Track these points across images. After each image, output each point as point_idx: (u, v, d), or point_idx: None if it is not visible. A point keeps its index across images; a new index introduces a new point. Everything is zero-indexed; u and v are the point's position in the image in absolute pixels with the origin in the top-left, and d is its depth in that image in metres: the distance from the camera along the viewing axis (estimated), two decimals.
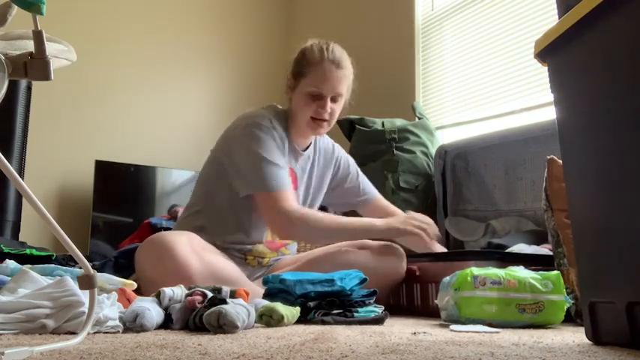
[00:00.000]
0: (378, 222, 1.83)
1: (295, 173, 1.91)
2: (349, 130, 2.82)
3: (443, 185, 2.53)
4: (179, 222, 1.96)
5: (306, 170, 1.95)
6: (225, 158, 1.84)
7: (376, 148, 2.64)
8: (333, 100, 1.83)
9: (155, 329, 1.17)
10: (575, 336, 1.19)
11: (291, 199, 1.76)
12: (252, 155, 1.76)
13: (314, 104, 1.81)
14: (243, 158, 1.78)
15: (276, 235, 1.86)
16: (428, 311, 1.81)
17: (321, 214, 1.83)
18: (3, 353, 0.69)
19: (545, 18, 2.40)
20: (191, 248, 1.60)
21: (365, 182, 2.09)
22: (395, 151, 2.60)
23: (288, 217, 1.73)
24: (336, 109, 1.85)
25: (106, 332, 1.08)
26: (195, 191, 1.96)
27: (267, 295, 1.51)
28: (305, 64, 1.83)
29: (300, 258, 1.90)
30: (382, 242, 1.86)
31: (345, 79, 1.84)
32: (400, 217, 1.88)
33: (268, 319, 1.27)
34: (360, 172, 2.11)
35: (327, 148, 2.04)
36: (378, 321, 1.42)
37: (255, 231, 1.84)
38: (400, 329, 1.27)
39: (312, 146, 1.97)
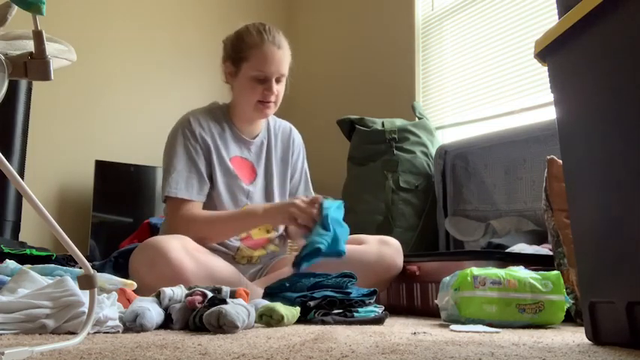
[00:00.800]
0: (259, 211, 1.77)
1: (250, 162, 1.92)
2: (349, 130, 2.82)
3: (443, 185, 2.53)
4: (161, 230, 1.98)
5: (261, 157, 1.95)
6: None
7: (376, 148, 2.64)
8: (277, 80, 1.84)
9: (155, 329, 1.17)
10: (575, 336, 1.19)
11: (184, 205, 1.77)
12: (164, 162, 1.84)
13: (260, 87, 1.81)
14: (163, 165, 1.86)
15: None
16: (428, 311, 1.82)
17: (205, 215, 1.79)
18: (3, 353, 0.69)
19: (545, 18, 2.40)
20: (185, 251, 1.60)
21: (305, 184, 2.05)
22: (395, 151, 2.60)
23: (176, 224, 1.76)
24: (280, 90, 1.86)
25: (106, 332, 1.08)
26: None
27: (268, 295, 1.51)
28: (245, 48, 1.81)
29: None
30: (379, 237, 1.86)
31: (287, 59, 1.85)
32: (281, 205, 1.76)
33: (268, 319, 1.27)
34: (306, 172, 2.06)
35: (285, 131, 2.03)
36: (378, 321, 1.42)
37: None
38: (400, 329, 1.27)
39: (264, 132, 1.97)
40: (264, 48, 1.79)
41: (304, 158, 2.07)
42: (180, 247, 1.59)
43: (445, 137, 2.88)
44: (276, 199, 1.94)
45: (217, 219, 1.80)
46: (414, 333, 1.17)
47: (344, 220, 1.67)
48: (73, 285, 1.06)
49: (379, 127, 2.68)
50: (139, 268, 1.62)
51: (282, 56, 1.82)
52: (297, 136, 2.06)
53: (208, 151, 1.84)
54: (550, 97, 1.12)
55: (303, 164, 2.06)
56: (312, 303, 1.40)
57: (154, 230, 2.54)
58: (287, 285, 1.49)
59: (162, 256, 1.56)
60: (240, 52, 1.82)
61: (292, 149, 2.02)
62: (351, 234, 1.85)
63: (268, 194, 1.94)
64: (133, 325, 1.13)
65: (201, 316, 1.14)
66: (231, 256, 1.85)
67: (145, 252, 1.62)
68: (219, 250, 1.81)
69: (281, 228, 1.98)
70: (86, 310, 1.02)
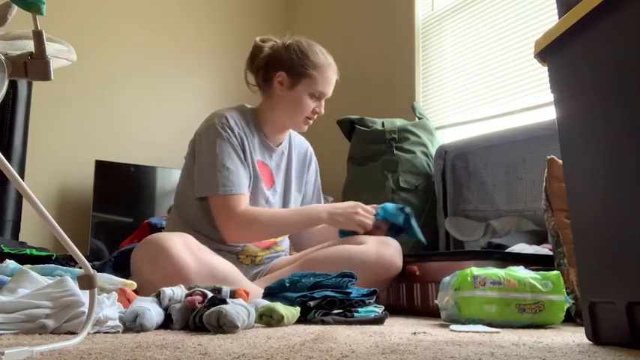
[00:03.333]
0: (322, 213, 1.84)
1: (270, 169, 1.94)
2: (349, 130, 2.82)
3: (443, 185, 2.53)
4: (166, 227, 1.98)
5: (281, 166, 1.98)
6: (191, 162, 1.88)
7: (376, 148, 2.64)
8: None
9: (155, 329, 1.17)
10: (575, 336, 1.19)
11: (242, 202, 1.78)
12: (206, 159, 1.81)
13: (312, 105, 1.90)
14: (200, 161, 1.84)
15: (227, 239, 1.83)
16: (428, 311, 1.82)
17: (267, 212, 1.84)
18: (3, 353, 0.69)
19: (545, 18, 2.40)
20: (186, 248, 1.60)
21: (318, 199, 2.11)
22: (395, 151, 2.60)
23: (237, 221, 1.76)
24: None
25: (106, 332, 1.08)
26: (174, 198, 2.00)
27: (268, 295, 1.51)
28: (309, 66, 1.87)
29: (298, 258, 1.90)
30: (379, 237, 1.87)
31: None
32: (345, 209, 1.84)
33: (268, 319, 1.27)
34: (319, 188, 2.13)
35: (302, 148, 2.08)
36: (378, 321, 1.42)
37: None
38: (400, 329, 1.27)
39: (285, 142, 2.01)
40: (328, 71, 1.90)
41: (318, 175, 2.13)
42: (181, 245, 1.59)
43: (445, 137, 2.87)
44: (290, 205, 1.98)
45: (280, 215, 1.85)
46: (414, 333, 1.17)
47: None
48: (73, 285, 1.06)
49: (379, 127, 2.68)
50: (140, 264, 1.63)
51: (335, 81, 1.94)
52: (313, 157, 2.12)
53: (243, 149, 1.85)
54: (550, 97, 1.12)
55: (316, 180, 2.12)
56: (312, 303, 1.40)
57: (154, 230, 2.54)
58: (287, 285, 1.49)
59: (163, 253, 1.56)
60: (304, 68, 1.87)
61: (309, 165, 2.08)
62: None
63: (285, 202, 1.98)
64: (133, 325, 1.13)
65: (201, 316, 1.14)
66: (235, 257, 1.85)
67: (146, 249, 1.63)
68: (223, 250, 1.81)
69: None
70: (86, 310, 1.02)
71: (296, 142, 2.06)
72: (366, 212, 1.83)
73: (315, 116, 1.94)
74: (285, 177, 1.99)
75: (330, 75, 1.90)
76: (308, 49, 1.89)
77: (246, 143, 1.86)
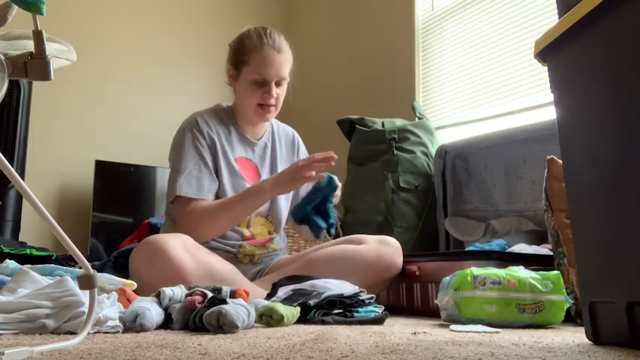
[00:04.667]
0: (264, 184, 1.79)
1: (254, 163, 1.93)
2: (349, 130, 2.82)
3: (443, 185, 2.53)
4: (162, 229, 1.98)
5: (265, 158, 1.97)
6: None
7: (376, 148, 2.64)
8: (278, 84, 1.86)
9: (155, 329, 1.17)
10: (575, 336, 1.19)
11: (192, 203, 1.76)
12: (172, 162, 1.84)
13: (259, 91, 1.84)
14: (170, 165, 1.87)
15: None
16: (428, 311, 1.82)
17: (213, 204, 1.80)
18: (3, 353, 0.69)
19: (545, 18, 2.40)
20: (185, 249, 1.60)
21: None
22: (395, 151, 2.60)
23: (188, 222, 1.76)
24: (281, 94, 1.89)
25: (106, 332, 1.08)
26: (165, 203, 2.00)
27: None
28: (245, 52, 1.84)
29: (298, 257, 1.90)
30: (379, 237, 1.87)
31: (287, 62, 1.87)
32: (287, 172, 1.79)
33: (268, 319, 1.27)
34: None
35: (288, 136, 2.06)
36: (378, 321, 1.42)
37: (228, 232, 1.86)
38: (400, 329, 1.27)
39: (267, 134, 1.99)
40: (264, 52, 1.81)
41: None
42: (180, 246, 1.60)
43: (445, 137, 2.87)
44: (281, 202, 1.95)
45: (223, 205, 1.79)
46: (414, 333, 1.17)
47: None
48: (73, 285, 1.06)
49: (379, 127, 2.69)
50: (139, 266, 1.63)
51: (282, 60, 1.84)
52: (301, 142, 2.09)
53: (215, 151, 1.85)
54: (550, 97, 1.12)
55: None
56: (312, 303, 1.40)
57: (154, 230, 2.54)
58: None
59: (162, 254, 1.56)
60: (241, 55, 1.85)
61: (297, 154, 2.05)
62: (351, 233, 1.85)
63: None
64: (133, 325, 1.13)
65: (201, 316, 1.14)
66: (233, 256, 1.85)
67: (144, 250, 1.63)
68: (221, 250, 1.81)
69: (281, 229, 1.99)
70: (86, 310, 1.02)
71: (280, 131, 2.04)
72: (306, 163, 1.74)
73: (271, 102, 1.84)
74: (270, 168, 1.97)
75: (266, 55, 1.80)
76: (245, 36, 1.86)
77: (218, 144, 1.85)
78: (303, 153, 2.08)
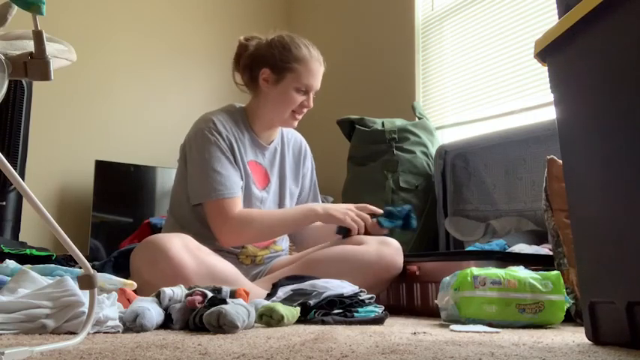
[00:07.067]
0: (318, 208, 1.83)
1: (264, 167, 1.93)
2: (349, 130, 2.82)
3: (443, 185, 2.53)
4: (163, 230, 1.98)
5: (275, 163, 1.97)
6: (183, 166, 1.89)
7: (376, 148, 2.64)
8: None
9: (155, 329, 1.17)
10: (575, 336, 1.19)
11: (235, 205, 1.77)
12: (197, 165, 1.81)
13: (300, 99, 1.87)
14: (191, 168, 1.84)
15: (223, 243, 1.83)
16: (428, 311, 1.81)
17: (261, 213, 1.84)
18: (3, 353, 0.69)
19: (545, 18, 2.40)
20: (186, 249, 1.60)
21: (314, 195, 2.10)
22: (395, 151, 2.60)
23: (232, 225, 1.75)
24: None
25: (106, 332, 1.08)
26: (170, 202, 1.99)
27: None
28: (292, 60, 1.85)
29: (298, 258, 1.90)
30: (379, 237, 1.87)
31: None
32: (340, 206, 1.86)
33: (268, 319, 1.27)
34: (315, 183, 2.11)
35: (296, 142, 2.07)
36: (378, 321, 1.42)
37: None
38: (400, 329, 1.27)
39: (277, 139, 2.00)
40: (312, 63, 1.87)
41: (314, 170, 2.11)
42: (180, 245, 1.60)
43: (445, 137, 2.87)
44: (285, 204, 1.96)
45: (276, 218, 1.84)
46: (414, 333, 1.17)
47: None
48: (73, 285, 1.06)
49: (379, 127, 2.68)
50: (140, 265, 1.63)
51: (321, 73, 1.91)
52: (308, 151, 2.10)
53: (233, 152, 1.85)
54: (550, 97, 1.12)
55: (312, 175, 2.10)
56: (312, 303, 1.40)
57: (154, 230, 2.54)
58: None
59: (162, 254, 1.56)
60: (287, 62, 1.85)
61: (304, 161, 2.06)
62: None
63: (280, 201, 1.96)
64: (133, 325, 1.13)
65: (201, 316, 1.14)
66: (235, 257, 1.85)
67: (146, 250, 1.63)
68: (222, 250, 1.81)
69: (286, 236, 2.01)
70: (86, 310, 1.02)
71: (289, 137, 2.05)
72: (358, 216, 1.83)
73: (304, 110, 1.91)
74: (279, 173, 1.98)
75: (314, 67, 1.87)
76: (290, 43, 1.88)
77: (235, 145, 1.85)
78: (310, 163, 2.09)
